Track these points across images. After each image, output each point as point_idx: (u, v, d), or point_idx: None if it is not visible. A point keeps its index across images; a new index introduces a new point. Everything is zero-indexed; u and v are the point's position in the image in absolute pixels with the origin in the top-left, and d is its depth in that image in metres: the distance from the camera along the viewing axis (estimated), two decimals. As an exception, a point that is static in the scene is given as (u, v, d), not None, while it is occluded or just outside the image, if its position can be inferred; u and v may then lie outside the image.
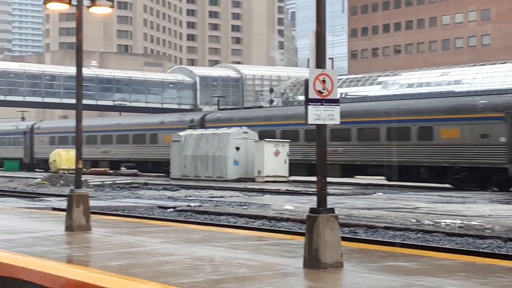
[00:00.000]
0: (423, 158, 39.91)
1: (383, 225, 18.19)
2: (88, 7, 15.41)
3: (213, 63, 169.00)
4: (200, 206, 25.53)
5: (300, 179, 44.97)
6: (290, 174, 45.26)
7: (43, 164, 66.64)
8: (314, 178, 43.40)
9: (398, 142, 40.74)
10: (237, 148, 45.80)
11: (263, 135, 46.49)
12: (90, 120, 75.63)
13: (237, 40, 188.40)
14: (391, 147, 41.01)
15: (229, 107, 73.96)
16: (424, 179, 40.51)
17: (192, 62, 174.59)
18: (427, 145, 39.75)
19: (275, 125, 47.46)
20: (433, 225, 18.44)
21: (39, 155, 70.40)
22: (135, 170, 60.57)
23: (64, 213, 15.59)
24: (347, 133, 43.37)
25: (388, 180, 42.38)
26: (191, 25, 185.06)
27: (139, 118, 68.70)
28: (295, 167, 45.24)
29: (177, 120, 57.27)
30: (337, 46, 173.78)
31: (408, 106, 42.05)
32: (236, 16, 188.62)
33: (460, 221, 18.88)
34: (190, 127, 52.65)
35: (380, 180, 43.73)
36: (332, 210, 9.80)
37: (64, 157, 58.32)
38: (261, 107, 60.14)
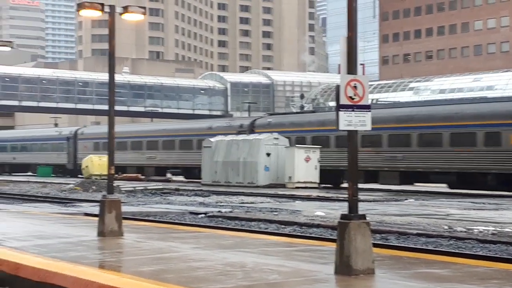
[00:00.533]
0: (490, 165, 38.23)
1: (415, 231, 18.06)
2: (121, 14, 15.54)
3: (244, 69, 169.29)
4: (231, 212, 25.55)
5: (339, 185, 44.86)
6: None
7: None
8: (372, 186, 42.94)
9: (463, 148, 39.23)
10: (268, 154, 45.78)
11: (316, 141, 45.38)
12: (136, 126, 75.30)
13: (268, 46, 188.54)
14: (454, 153, 39.51)
15: (281, 112, 71.70)
16: (491, 187, 38.98)
17: (223, 68, 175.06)
18: (495, 151, 38.10)
19: (329, 130, 45.07)
20: (465, 232, 18.28)
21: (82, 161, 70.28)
22: (181, 177, 60.13)
23: (97, 218, 15.70)
24: (407, 138, 41.97)
25: (451, 187, 41.05)
26: (222, 31, 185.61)
27: (186, 123, 67.76)
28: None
29: (226, 126, 56.21)
30: (368, 52, 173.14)
31: (474, 110, 40.36)
32: (267, 22, 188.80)
33: (493, 228, 18.70)
34: (239, 133, 51.72)
35: (441, 187, 42.76)
36: (363, 217, 9.76)
37: (96, 163, 58.72)
38: (313, 112, 58.82)
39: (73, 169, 70.88)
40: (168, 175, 62.69)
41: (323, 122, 47.24)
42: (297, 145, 44.91)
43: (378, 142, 43.03)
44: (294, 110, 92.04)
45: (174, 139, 60.06)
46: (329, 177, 45.60)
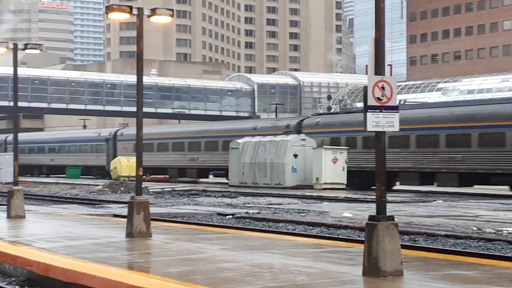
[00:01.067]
0: None
1: (443, 233, 17.96)
2: (149, 16, 15.62)
3: (271, 70, 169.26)
4: (258, 213, 25.57)
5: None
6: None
7: None
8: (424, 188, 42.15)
9: None
10: (295, 155, 45.75)
11: (367, 142, 42.85)
12: (178, 126, 73.88)
13: (295, 48, 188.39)
14: None
15: (332, 111, 68.53)
16: None
17: (250, 70, 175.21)
18: None
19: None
20: (495, 233, 18.14)
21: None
22: (224, 179, 58.95)
23: (125, 219, 15.79)
24: (467, 138, 40.08)
25: None
26: (249, 33, 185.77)
27: (229, 124, 66.20)
28: (406, 175, 42.74)
29: (272, 126, 54.69)
30: (396, 52, 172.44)
31: None
32: (294, 24, 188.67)
33: (523, 230, 18.54)
34: (285, 133, 50.32)
35: (502, 190, 41.32)
36: (391, 218, 9.74)
37: (124, 164, 59.02)
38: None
39: None
40: (211, 177, 61.50)
41: None
42: (324, 146, 44.78)
43: (435, 142, 41.20)
44: (321, 111, 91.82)
45: (218, 140, 58.19)
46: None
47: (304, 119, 53.42)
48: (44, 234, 16.00)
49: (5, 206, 22.12)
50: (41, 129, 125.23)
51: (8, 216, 20.54)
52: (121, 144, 69.79)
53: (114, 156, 66.89)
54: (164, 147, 63.33)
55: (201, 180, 58.90)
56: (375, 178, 9.85)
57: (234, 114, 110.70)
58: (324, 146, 44.85)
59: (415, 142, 42.20)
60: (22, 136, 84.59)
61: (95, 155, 72.79)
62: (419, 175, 41.79)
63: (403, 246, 10.84)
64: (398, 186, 43.68)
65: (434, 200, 33.02)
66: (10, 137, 77.12)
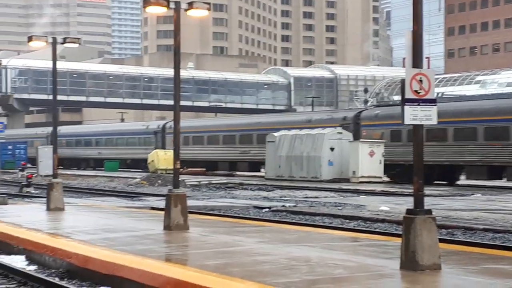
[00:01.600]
0: None
1: (481, 226, 17.81)
2: (186, 10, 15.69)
3: (307, 63, 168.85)
4: (295, 206, 25.59)
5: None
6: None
7: None
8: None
9: None
10: (332, 149, 45.62)
11: (430, 134, 39.40)
12: (229, 119, 72.88)
13: (331, 40, 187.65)
14: None
15: (389, 102, 65.48)
16: None
17: (286, 63, 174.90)
18: None
19: (447, 122, 39.80)
20: (534, 227, 17.93)
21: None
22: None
23: (162, 212, 15.91)
24: None
25: None
26: (285, 26, 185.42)
27: (282, 116, 64.61)
28: (472, 169, 41.23)
29: (327, 118, 52.86)
30: (434, 45, 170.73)
31: None
32: (330, 16, 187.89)
33: None
34: (342, 126, 48.84)
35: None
36: (429, 212, 9.70)
37: (162, 157, 59.32)
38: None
39: None
40: (262, 170, 60.27)
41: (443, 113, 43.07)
42: (361, 140, 44.56)
43: (505, 135, 38.92)
44: (358, 105, 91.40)
45: (269, 133, 55.36)
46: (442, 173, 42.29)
47: (362, 111, 51.20)
48: (83, 227, 16.19)
49: (45, 199, 22.40)
50: (79, 123, 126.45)
51: (48, 209, 20.81)
52: (170, 137, 66.99)
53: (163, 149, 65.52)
54: (215, 140, 62.52)
55: (237, 173, 58.93)
56: (435, 171, 9.74)
57: (270, 107, 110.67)
58: (360, 140, 44.60)
59: (483, 135, 40.10)
60: (68, 129, 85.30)
61: (143, 148, 71.07)
62: (487, 169, 39.95)
63: (441, 240, 10.78)
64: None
65: (472, 194, 32.72)
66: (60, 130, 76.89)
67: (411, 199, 9.87)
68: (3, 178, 47.59)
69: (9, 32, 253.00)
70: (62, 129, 78.19)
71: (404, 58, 10.10)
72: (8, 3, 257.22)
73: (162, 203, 19.86)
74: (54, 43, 20.90)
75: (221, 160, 61.56)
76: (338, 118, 51.67)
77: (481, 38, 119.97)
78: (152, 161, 60.25)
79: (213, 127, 64.56)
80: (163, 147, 67.40)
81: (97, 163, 78.73)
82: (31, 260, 13.21)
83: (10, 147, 71.89)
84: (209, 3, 16.15)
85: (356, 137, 46.36)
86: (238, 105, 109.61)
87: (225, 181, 44.02)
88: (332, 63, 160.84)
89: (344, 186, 39.08)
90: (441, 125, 39.18)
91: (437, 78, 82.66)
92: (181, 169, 18.26)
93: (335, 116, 52.88)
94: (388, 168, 44.30)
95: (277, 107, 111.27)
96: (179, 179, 15.80)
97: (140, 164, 70.22)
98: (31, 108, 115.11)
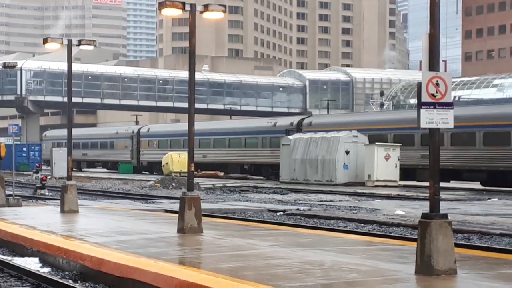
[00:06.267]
0: None
1: (498, 231, 17.67)
2: (201, 12, 15.66)
3: (323, 66, 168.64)
4: (309, 210, 25.50)
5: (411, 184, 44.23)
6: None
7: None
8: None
9: None
10: (347, 152, 45.48)
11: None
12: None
13: (347, 43, 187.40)
14: None
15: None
16: None
17: (302, 66, 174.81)
18: None
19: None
20: (551, 232, 17.76)
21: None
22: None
23: (176, 215, 15.88)
24: None
25: None
26: (301, 28, 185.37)
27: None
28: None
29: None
30: (451, 48, 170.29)
31: None
32: (346, 19, 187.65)
33: None
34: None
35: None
36: (445, 216, 9.61)
37: (176, 160, 59.37)
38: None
39: None
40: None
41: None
42: (376, 143, 44.40)
43: None
44: (374, 108, 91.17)
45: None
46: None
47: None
48: (97, 229, 16.18)
49: (59, 201, 22.43)
50: (94, 125, 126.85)
51: (62, 211, 20.83)
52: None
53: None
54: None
55: (252, 176, 58.79)
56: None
57: (285, 110, 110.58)
58: (376, 143, 44.44)
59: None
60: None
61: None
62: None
63: (457, 245, 10.68)
64: (453, 184, 43.04)
65: (489, 198, 32.49)
66: (145, 128, 74.00)
67: (427, 203, 9.78)
68: (18, 180, 47.78)
69: (25, 34, 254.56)
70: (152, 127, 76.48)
71: (420, 61, 10.07)
72: (24, 5, 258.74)
73: (176, 206, 19.82)
74: (69, 45, 20.93)
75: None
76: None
77: (498, 41, 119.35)
78: (166, 163, 60.30)
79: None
80: None
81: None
82: (44, 262, 13.20)
83: (24, 149, 72.22)
84: (224, 6, 16.13)
85: None
86: (253, 108, 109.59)
87: (239, 184, 43.97)
88: (348, 66, 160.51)
89: (359, 189, 38.93)
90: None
91: (454, 82, 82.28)
92: (195, 172, 18.22)
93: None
94: None
95: (292, 110, 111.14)
96: (193, 181, 15.75)
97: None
98: (45, 110, 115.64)
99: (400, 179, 43.83)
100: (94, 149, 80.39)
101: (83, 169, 79.81)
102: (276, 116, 68.01)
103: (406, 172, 44.13)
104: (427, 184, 9.99)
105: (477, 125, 40.25)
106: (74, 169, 75.55)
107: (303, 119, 55.97)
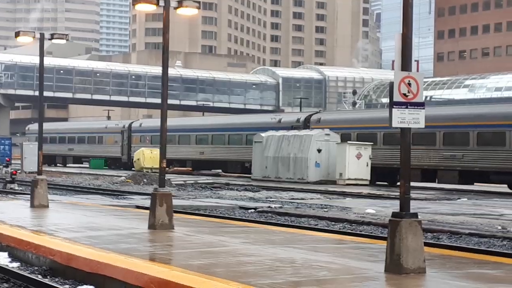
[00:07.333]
0: None
1: (467, 231, 17.83)
2: (175, 8, 15.61)
3: (296, 64, 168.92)
4: (281, 207, 25.55)
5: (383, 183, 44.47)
6: None
7: None
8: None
9: None
10: (319, 150, 45.60)
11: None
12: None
13: (321, 42, 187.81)
14: None
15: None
16: None
17: (275, 63, 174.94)
18: None
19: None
20: (519, 232, 17.96)
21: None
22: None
23: (147, 211, 15.83)
24: None
25: None
26: (275, 26, 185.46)
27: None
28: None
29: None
30: (423, 48, 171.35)
31: None
32: (320, 18, 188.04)
33: (548, 230, 18.33)
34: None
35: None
36: (415, 215, 9.67)
37: (147, 156, 59.14)
38: None
39: None
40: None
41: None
42: (348, 142, 44.56)
43: None
44: (347, 107, 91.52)
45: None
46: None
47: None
48: (67, 224, 16.09)
49: (29, 196, 22.26)
50: (65, 119, 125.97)
51: (32, 206, 20.67)
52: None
53: None
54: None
55: (224, 173, 58.78)
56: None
57: (258, 107, 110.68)
58: (348, 142, 44.58)
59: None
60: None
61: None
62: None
63: (426, 244, 10.76)
64: (422, 183, 43.28)
65: (459, 198, 32.76)
66: (137, 123, 72.11)
67: (397, 202, 9.85)
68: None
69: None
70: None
71: (393, 61, 10.09)
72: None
73: (147, 202, 19.77)
74: (42, 39, 20.76)
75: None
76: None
77: (470, 42, 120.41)
78: (138, 159, 60.07)
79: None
80: None
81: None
82: (14, 257, 13.10)
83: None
84: (198, 2, 16.07)
85: None
86: (226, 105, 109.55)
87: (211, 181, 43.94)
88: (321, 64, 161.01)
89: (331, 188, 39.08)
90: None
91: (426, 82, 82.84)
92: (167, 168, 18.17)
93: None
94: None
95: (265, 107, 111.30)
96: (165, 178, 15.71)
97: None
98: (16, 104, 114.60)
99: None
100: (81, 144, 77.43)
101: (68, 165, 77.26)
102: (262, 113, 67.44)
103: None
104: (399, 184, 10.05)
105: (507, 124, 37.29)
106: (58, 164, 75.05)
107: (311, 115, 53.15)
